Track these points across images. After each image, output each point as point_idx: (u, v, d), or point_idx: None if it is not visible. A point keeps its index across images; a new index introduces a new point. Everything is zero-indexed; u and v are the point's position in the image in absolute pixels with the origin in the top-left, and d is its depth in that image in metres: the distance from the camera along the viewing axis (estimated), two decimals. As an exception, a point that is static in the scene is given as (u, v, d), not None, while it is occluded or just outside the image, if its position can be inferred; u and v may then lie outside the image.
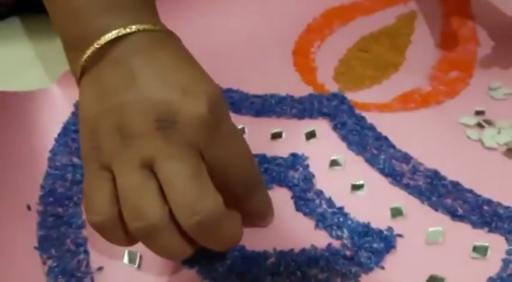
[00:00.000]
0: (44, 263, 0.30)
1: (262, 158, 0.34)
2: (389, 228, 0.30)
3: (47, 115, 0.38)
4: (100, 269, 0.29)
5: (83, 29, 0.26)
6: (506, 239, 0.29)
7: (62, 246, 0.30)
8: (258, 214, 0.30)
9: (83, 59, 0.26)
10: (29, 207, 0.32)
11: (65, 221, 0.32)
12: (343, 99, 0.38)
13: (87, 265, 0.30)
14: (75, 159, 0.35)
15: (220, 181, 0.25)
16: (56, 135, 0.37)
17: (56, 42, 0.47)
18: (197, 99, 0.24)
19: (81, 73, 0.27)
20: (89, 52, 0.25)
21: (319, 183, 0.33)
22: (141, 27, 0.25)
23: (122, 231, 0.25)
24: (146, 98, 0.24)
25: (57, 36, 0.48)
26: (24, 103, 0.38)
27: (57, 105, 0.39)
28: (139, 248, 0.30)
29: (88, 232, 0.31)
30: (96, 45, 0.25)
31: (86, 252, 0.30)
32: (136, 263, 0.29)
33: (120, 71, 0.25)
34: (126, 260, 0.30)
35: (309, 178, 0.33)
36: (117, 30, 0.25)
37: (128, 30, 0.25)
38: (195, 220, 0.23)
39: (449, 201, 0.31)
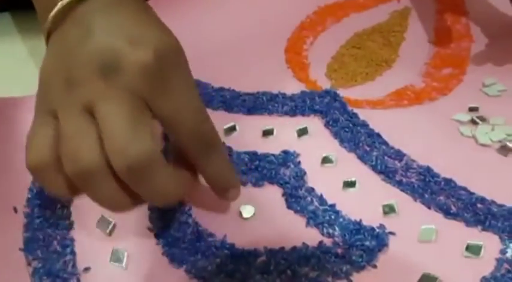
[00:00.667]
0: (29, 264, 0.29)
1: (253, 155, 0.34)
2: (382, 226, 0.29)
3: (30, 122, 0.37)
4: (87, 269, 0.29)
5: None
6: (500, 237, 0.28)
7: (48, 248, 0.30)
8: (216, 180, 0.28)
9: (49, 21, 0.26)
10: (15, 210, 0.32)
11: (52, 222, 0.31)
12: (335, 96, 0.38)
13: (74, 266, 0.29)
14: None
15: (170, 134, 0.25)
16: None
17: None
18: (143, 48, 0.24)
19: (47, 36, 0.27)
20: (53, 13, 0.26)
21: (311, 181, 0.32)
22: None
23: (60, 177, 0.25)
24: (93, 47, 0.24)
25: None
26: (15, 107, 0.38)
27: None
28: (127, 247, 0.29)
29: (76, 233, 0.31)
30: (59, 6, 0.25)
31: (73, 253, 0.30)
32: (124, 263, 0.29)
33: (79, 29, 0.25)
34: (113, 259, 0.29)
35: (300, 175, 0.32)
36: None
37: None
38: (125, 163, 0.23)
39: (442, 198, 0.30)
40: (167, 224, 0.30)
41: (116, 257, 0.29)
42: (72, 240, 0.30)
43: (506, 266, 0.27)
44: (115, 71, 0.24)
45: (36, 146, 0.25)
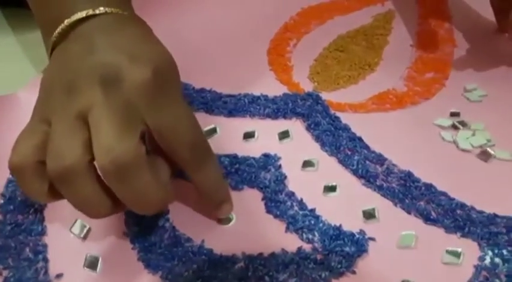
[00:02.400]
0: (0, 274, 0.28)
1: (233, 158, 0.33)
2: (362, 232, 0.29)
3: (11, 121, 0.36)
4: (59, 276, 0.28)
5: (57, 14, 0.28)
6: (479, 244, 0.28)
7: (19, 255, 0.29)
8: (212, 191, 0.28)
9: (54, 36, 0.28)
10: None
11: (24, 228, 0.30)
12: (317, 99, 0.37)
13: (46, 273, 0.28)
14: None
15: (167, 148, 0.26)
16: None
17: (23, 37, 0.46)
18: (143, 65, 0.25)
19: (51, 49, 0.28)
20: (59, 29, 0.27)
21: (291, 185, 0.32)
22: (108, 10, 0.28)
23: (40, 181, 0.25)
24: (95, 61, 0.26)
25: (25, 31, 0.47)
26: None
27: (22, 111, 0.37)
28: (101, 252, 0.29)
29: (48, 239, 0.30)
30: (66, 23, 0.27)
31: (45, 259, 0.29)
32: (98, 268, 0.28)
33: (82, 45, 0.27)
34: (87, 265, 0.28)
35: (280, 179, 0.32)
36: (86, 11, 0.27)
37: (96, 11, 0.27)
38: (109, 158, 0.23)
39: (422, 204, 0.30)
40: (143, 229, 0.30)
41: (90, 263, 0.28)
42: (45, 246, 0.30)
43: (484, 273, 0.26)
44: (115, 83, 0.25)
45: (21, 148, 0.25)
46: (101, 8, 0.28)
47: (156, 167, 0.26)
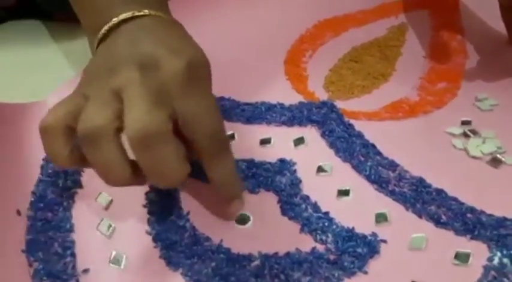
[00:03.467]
0: (31, 266, 0.30)
1: (250, 163, 0.35)
2: (374, 234, 0.30)
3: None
4: (86, 271, 0.30)
5: (104, 18, 0.31)
6: (488, 246, 0.29)
7: (49, 250, 0.31)
8: (223, 183, 0.30)
9: (101, 33, 0.31)
10: (18, 213, 0.33)
11: (54, 225, 0.32)
12: (332, 108, 0.39)
13: (73, 267, 0.30)
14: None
15: (188, 134, 0.28)
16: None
17: (54, 47, 0.48)
18: (179, 57, 0.28)
19: (97, 45, 0.31)
20: (106, 27, 0.30)
21: (306, 189, 0.33)
22: (152, 12, 0.31)
23: (64, 142, 0.27)
24: (137, 50, 0.28)
25: (55, 41, 0.49)
26: (19, 114, 0.39)
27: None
28: (126, 249, 0.30)
29: (76, 235, 0.31)
30: (114, 21, 0.30)
31: (73, 255, 0.30)
32: (122, 265, 0.30)
33: (126, 38, 0.30)
34: (112, 261, 0.30)
35: (295, 183, 0.33)
36: (131, 11, 0.30)
37: (141, 13, 0.30)
38: (138, 126, 0.25)
39: (433, 208, 0.31)
40: (165, 228, 0.31)
41: (114, 259, 0.30)
42: (72, 242, 0.31)
43: (492, 273, 0.27)
44: (152, 68, 0.27)
45: (53, 111, 0.28)
46: (145, 11, 0.31)
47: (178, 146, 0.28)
